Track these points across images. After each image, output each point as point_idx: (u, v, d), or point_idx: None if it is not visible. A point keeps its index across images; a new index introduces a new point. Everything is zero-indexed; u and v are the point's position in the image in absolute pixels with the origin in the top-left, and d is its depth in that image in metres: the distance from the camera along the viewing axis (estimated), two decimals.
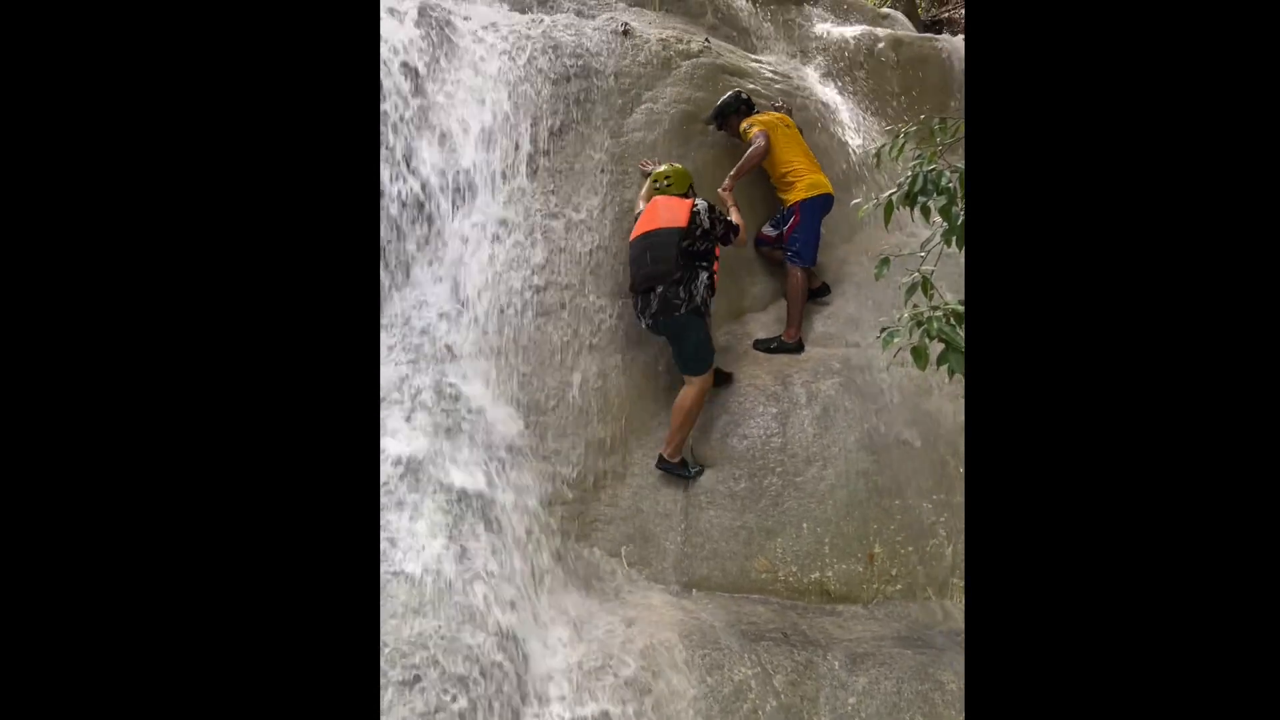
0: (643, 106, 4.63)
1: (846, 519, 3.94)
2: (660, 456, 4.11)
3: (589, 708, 3.26)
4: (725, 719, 3.26)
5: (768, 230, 4.77)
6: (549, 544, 3.84)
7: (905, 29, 6.54)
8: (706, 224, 4.13)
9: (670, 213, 4.13)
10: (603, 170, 4.40)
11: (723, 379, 4.34)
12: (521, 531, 3.75)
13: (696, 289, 4.08)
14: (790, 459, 4.08)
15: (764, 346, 4.52)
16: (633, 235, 4.21)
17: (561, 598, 3.72)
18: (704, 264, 4.14)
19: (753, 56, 5.30)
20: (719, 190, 4.53)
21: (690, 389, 4.10)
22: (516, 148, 4.32)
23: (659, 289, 4.04)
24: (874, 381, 4.26)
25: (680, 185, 4.31)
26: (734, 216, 4.35)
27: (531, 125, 4.36)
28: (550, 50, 4.55)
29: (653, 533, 4.04)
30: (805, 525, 3.94)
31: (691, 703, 3.27)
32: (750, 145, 4.54)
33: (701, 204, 4.16)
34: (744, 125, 4.66)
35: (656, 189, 4.33)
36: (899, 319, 2.12)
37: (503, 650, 3.29)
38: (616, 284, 4.28)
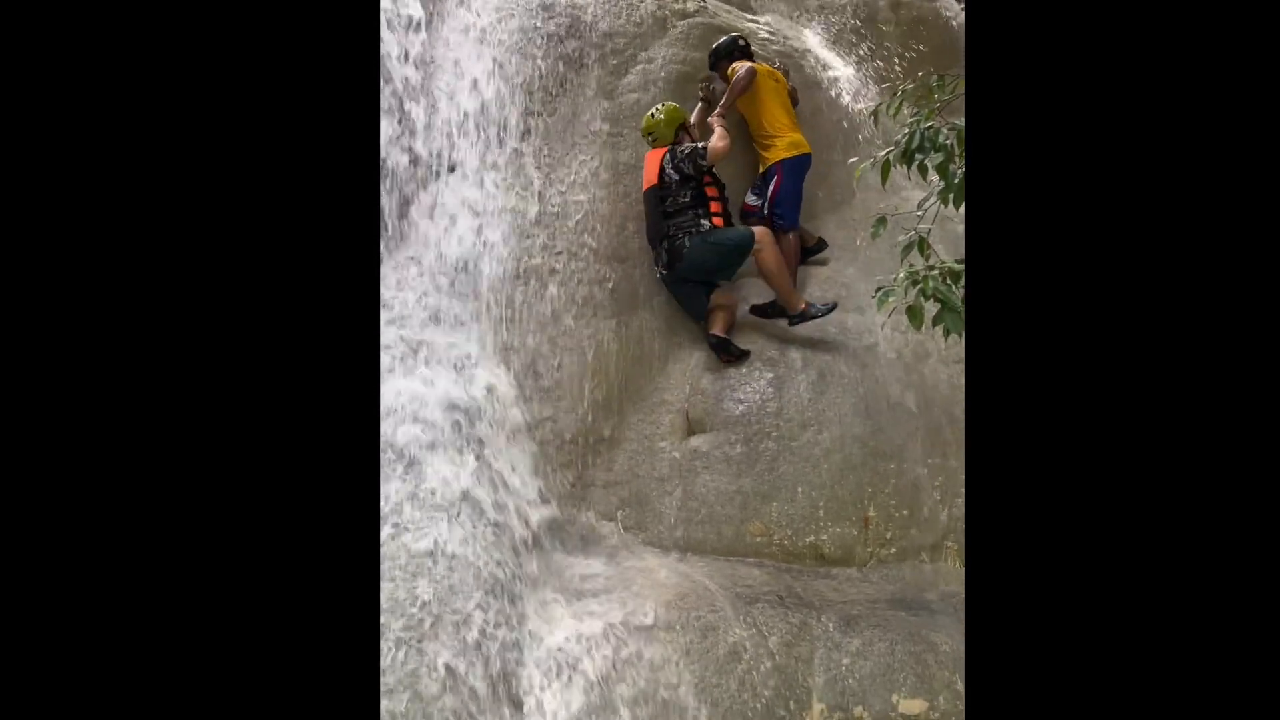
0: (637, 67, 4.56)
1: (841, 483, 3.95)
2: (789, 317, 4.27)
3: (584, 669, 3.28)
4: (720, 680, 3.28)
5: (751, 200, 4.69)
6: (544, 508, 3.84)
7: None
8: (675, 175, 4.21)
9: (649, 170, 4.29)
10: (597, 132, 4.35)
11: (739, 356, 4.27)
12: (517, 497, 3.75)
13: (700, 229, 4.21)
14: (786, 423, 4.07)
15: (761, 312, 4.49)
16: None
17: (557, 561, 3.74)
18: (700, 211, 4.24)
19: (749, 16, 5.22)
20: (709, 119, 4.52)
21: (763, 256, 4.20)
22: (509, 109, 4.26)
23: (661, 245, 4.22)
24: (870, 346, 4.25)
25: (666, 135, 4.37)
26: (715, 139, 4.32)
27: (524, 86, 4.29)
28: (543, 10, 4.47)
29: (648, 496, 4.05)
30: (800, 489, 3.95)
31: (687, 665, 3.29)
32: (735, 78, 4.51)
33: (680, 151, 4.25)
34: (731, 67, 4.61)
35: (648, 143, 4.40)
36: (895, 279, 2.10)
37: (498, 613, 3.30)
38: (611, 247, 4.25)
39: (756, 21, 5.16)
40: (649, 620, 3.39)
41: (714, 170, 4.39)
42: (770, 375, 4.19)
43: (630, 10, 4.65)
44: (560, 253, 4.16)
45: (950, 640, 3.50)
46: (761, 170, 4.62)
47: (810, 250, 4.78)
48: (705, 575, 3.74)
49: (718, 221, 4.32)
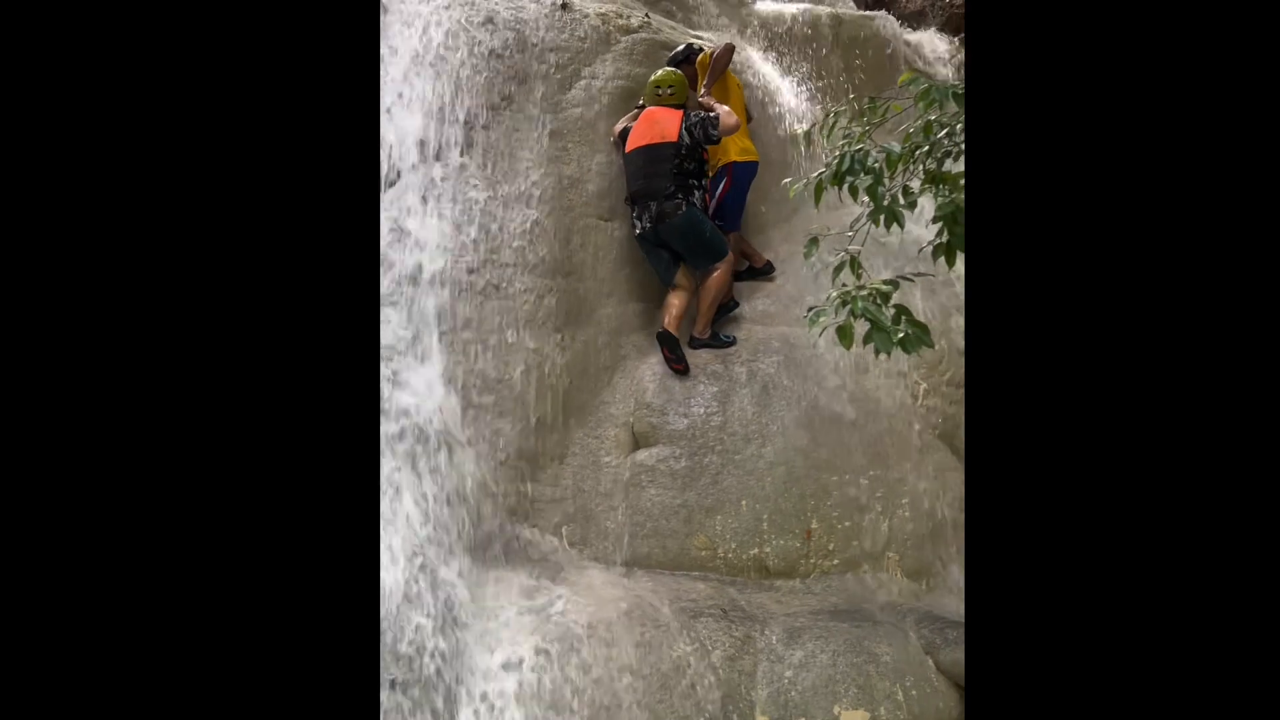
0: (581, 82, 4.57)
1: (785, 496, 3.99)
2: (692, 336, 4.37)
3: (529, 686, 3.26)
4: (663, 695, 3.28)
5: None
6: (489, 525, 3.81)
7: (847, 7, 6.55)
8: (688, 139, 4.27)
9: (664, 125, 4.28)
10: (540, 147, 4.34)
11: (679, 367, 4.28)
12: (461, 513, 3.72)
13: (694, 201, 4.31)
14: (730, 437, 4.10)
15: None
16: (630, 146, 4.32)
17: (502, 578, 3.71)
18: (696, 182, 4.33)
19: (693, 33, 5.26)
20: (698, 99, 4.56)
21: (716, 272, 4.34)
22: (451, 123, 4.24)
23: (654, 203, 4.23)
24: (813, 360, 4.30)
25: (680, 95, 4.42)
26: (725, 114, 4.36)
27: (467, 100, 4.27)
28: (487, 23, 4.46)
29: (593, 512, 4.04)
30: (744, 502, 3.98)
31: (631, 680, 3.29)
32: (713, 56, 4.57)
33: (693, 116, 4.31)
34: (702, 56, 4.67)
35: (657, 96, 4.39)
36: (827, 298, 2.13)
37: (443, 631, 3.27)
38: (556, 261, 4.24)
39: (700, 37, 5.20)
40: (592, 636, 3.38)
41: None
42: (715, 389, 4.22)
43: (574, 25, 4.65)
44: (504, 266, 4.14)
45: (891, 651, 3.55)
46: (711, 173, 4.67)
47: (759, 271, 4.83)
48: (650, 590, 3.74)
49: (709, 195, 4.44)
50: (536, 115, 4.37)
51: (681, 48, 4.78)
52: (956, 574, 4.11)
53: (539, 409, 4.07)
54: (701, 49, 4.78)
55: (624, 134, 4.43)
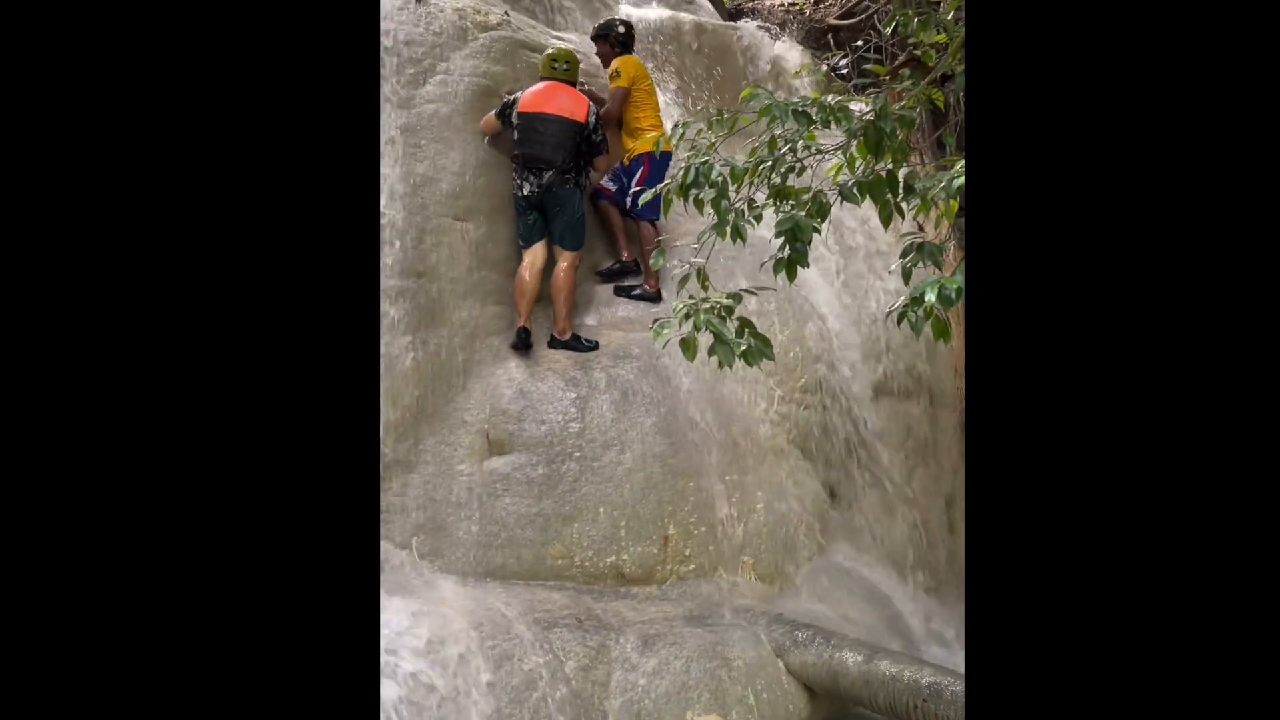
0: (436, 78, 4.42)
1: (642, 502, 3.98)
2: (552, 336, 4.36)
3: None
4: (514, 710, 3.21)
5: (607, 183, 4.72)
6: None
7: (710, 15, 6.62)
8: (594, 130, 4.42)
9: (573, 105, 4.37)
10: (393, 143, 4.18)
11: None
12: None
13: (581, 183, 4.47)
14: (589, 444, 4.06)
15: (626, 293, 4.66)
16: (529, 108, 4.31)
17: None
18: (586, 163, 4.49)
19: (554, 33, 5.19)
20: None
21: (563, 265, 4.37)
22: None
23: (548, 173, 4.29)
24: (671, 366, 4.31)
25: (574, 72, 4.56)
26: (604, 164, 4.61)
27: None
28: None
29: (446, 522, 3.92)
30: (602, 510, 3.95)
31: (480, 696, 3.21)
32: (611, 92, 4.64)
33: (598, 118, 4.48)
34: (615, 66, 4.67)
35: (553, 69, 4.47)
36: (673, 310, 2.12)
37: None
38: (407, 261, 4.09)
39: (562, 38, 5.14)
40: (440, 653, 3.27)
41: None
42: (573, 395, 4.17)
43: (429, 19, 4.50)
44: None
45: (743, 655, 3.60)
46: (626, 161, 4.66)
47: (618, 275, 4.80)
48: (503, 602, 3.66)
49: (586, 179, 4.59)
50: (388, 110, 4.20)
51: (604, 22, 4.87)
52: (806, 575, 4.22)
53: (388, 415, 3.91)
54: (628, 34, 4.83)
55: (513, 101, 4.40)
